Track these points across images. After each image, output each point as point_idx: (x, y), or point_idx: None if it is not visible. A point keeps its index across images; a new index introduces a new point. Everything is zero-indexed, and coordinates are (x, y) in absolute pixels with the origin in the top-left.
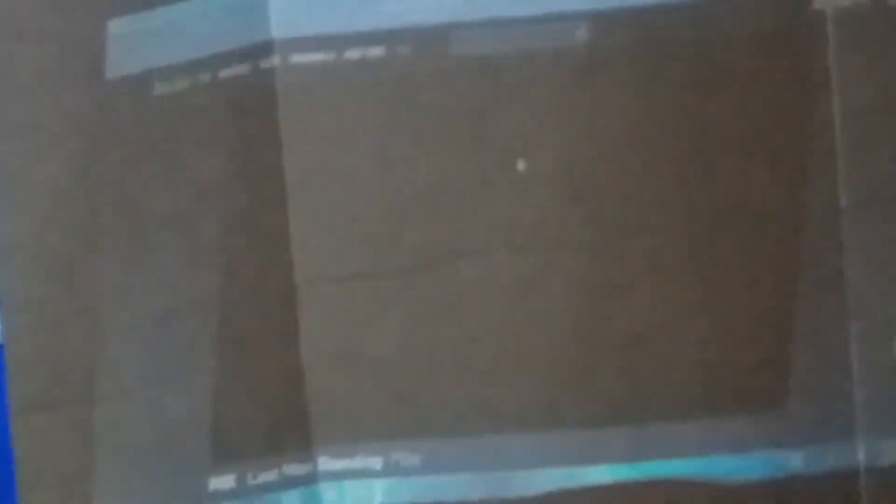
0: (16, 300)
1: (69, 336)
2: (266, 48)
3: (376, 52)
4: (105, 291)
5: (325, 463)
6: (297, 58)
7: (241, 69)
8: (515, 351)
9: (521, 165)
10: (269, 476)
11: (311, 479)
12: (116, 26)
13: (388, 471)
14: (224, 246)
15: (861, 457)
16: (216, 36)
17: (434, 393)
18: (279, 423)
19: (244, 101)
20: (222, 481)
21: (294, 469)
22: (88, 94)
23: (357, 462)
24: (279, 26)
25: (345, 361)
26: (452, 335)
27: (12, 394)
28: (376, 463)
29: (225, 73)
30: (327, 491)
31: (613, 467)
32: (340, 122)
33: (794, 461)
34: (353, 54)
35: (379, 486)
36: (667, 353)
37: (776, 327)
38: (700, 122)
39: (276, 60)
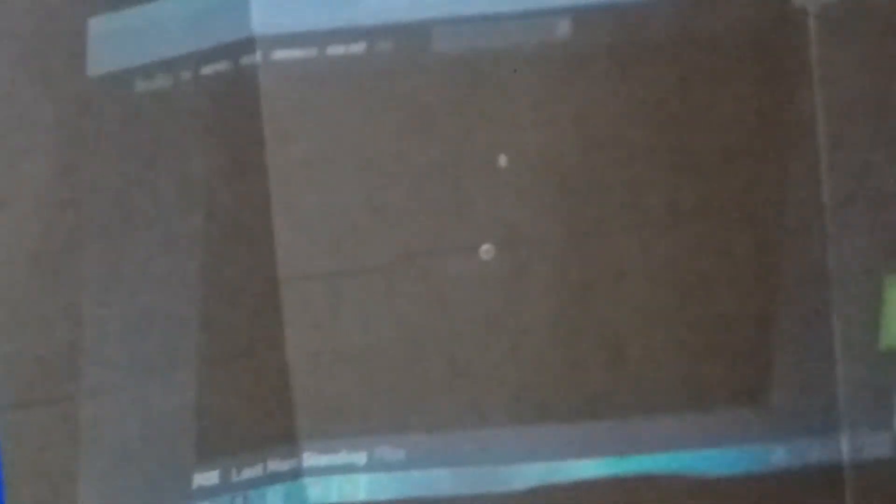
0: None
1: (52, 333)
2: (248, 45)
3: (357, 48)
4: (88, 288)
5: (310, 458)
6: (279, 54)
7: (222, 66)
8: (500, 345)
9: (502, 161)
10: (253, 472)
11: (295, 475)
12: (97, 24)
13: (373, 466)
14: (207, 243)
15: (845, 450)
16: (197, 33)
17: (418, 388)
18: (263, 418)
19: (226, 98)
20: (206, 477)
21: (278, 465)
22: (69, 93)
23: (341, 457)
24: (260, 23)
25: (329, 357)
26: (436, 330)
27: None
28: (361, 458)
29: (207, 70)
30: (312, 486)
31: (598, 462)
32: (323, 119)
33: (778, 455)
34: (334, 50)
35: (363, 481)
36: (651, 348)
37: (760, 322)
38: (682, 117)
39: (257, 57)
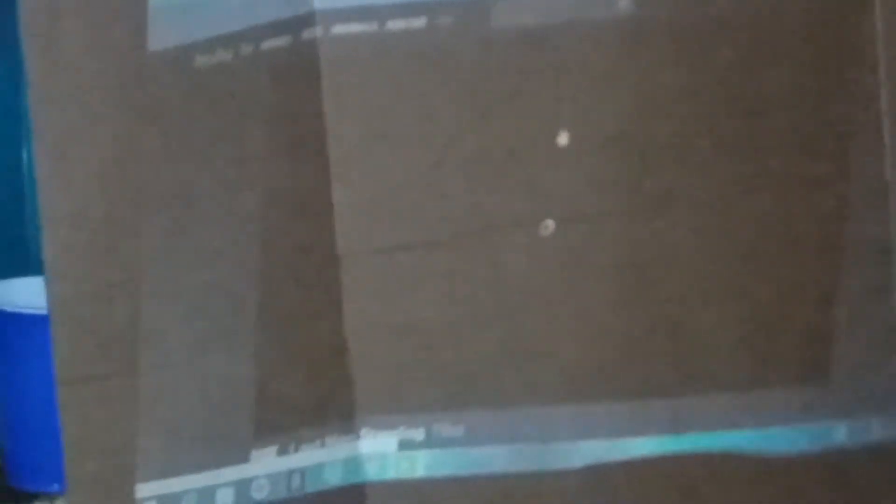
0: (60, 272)
1: (113, 308)
2: (308, 19)
3: (418, 22)
4: (148, 263)
5: (368, 434)
6: (339, 29)
7: (283, 41)
8: (558, 322)
9: (563, 136)
10: (311, 448)
11: (353, 451)
12: None
13: (431, 442)
14: (266, 217)
15: None
16: (258, 7)
17: (477, 364)
18: (322, 394)
19: (286, 73)
20: (264, 453)
21: (336, 440)
22: (130, 67)
23: (400, 434)
24: None
25: (388, 333)
26: (495, 306)
27: (58, 365)
28: (419, 434)
29: (267, 45)
30: (370, 462)
31: (656, 439)
32: (383, 94)
33: (839, 433)
34: (394, 25)
35: (421, 458)
36: (711, 325)
37: (821, 299)
38: (744, 93)
39: (318, 31)
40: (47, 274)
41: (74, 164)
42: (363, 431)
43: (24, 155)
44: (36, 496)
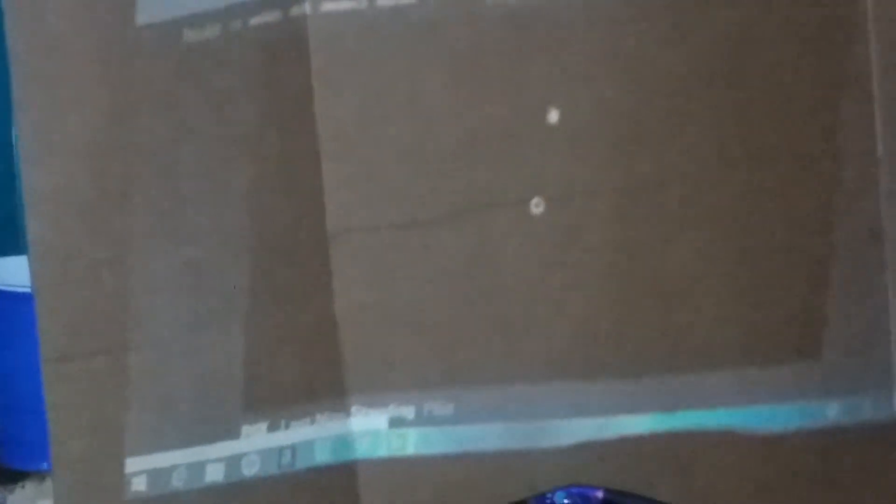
0: (45, 249)
1: (100, 285)
2: None
3: None
4: (136, 240)
5: (358, 412)
6: (329, 5)
7: (271, 16)
8: (549, 300)
9: (553, 114)
10: (301, 424)
11: (343, 428)
12: None
13: (421, 420)
14: (256, 195)
15: None
16: None
17: (467, 342)
18: (312, 372)
19: (275, 49)
20: (255, 429)
21: (327, 418)
22: (117, 43)
23: (390, 411)
24: None
25: (378, 311)
26: (486, 284)
27: (44, 343)
28: (409, 412)
29: (256, 21)
30: (360, 440)
31: (648, 417)
32: (372, 71)
33: (831, 411)
34: (384, 1)
35: (412, 436)
36: (703, 304)
37: (813, 278)
38: (736, 70)
39: (307, 8)
40: (31, 251)
41: (60, 141)
42: (354, 409)
43: (16, 134)
44: (27, 475)
